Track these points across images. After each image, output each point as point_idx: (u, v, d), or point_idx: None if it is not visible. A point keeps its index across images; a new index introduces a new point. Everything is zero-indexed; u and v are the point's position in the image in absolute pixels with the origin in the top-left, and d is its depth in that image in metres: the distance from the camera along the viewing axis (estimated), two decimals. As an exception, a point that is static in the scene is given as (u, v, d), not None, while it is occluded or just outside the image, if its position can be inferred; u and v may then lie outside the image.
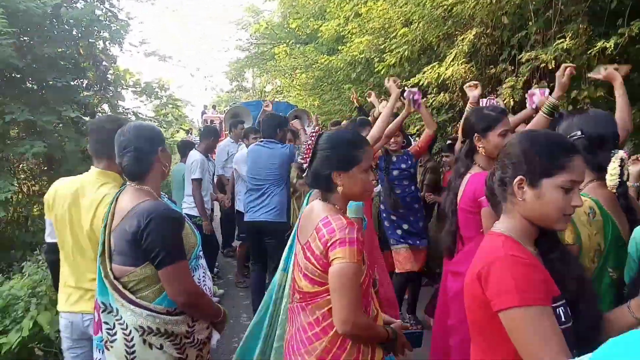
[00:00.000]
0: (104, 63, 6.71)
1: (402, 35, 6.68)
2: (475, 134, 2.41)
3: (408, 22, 6.78)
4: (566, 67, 2.52)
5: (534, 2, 5.69)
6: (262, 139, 4.57)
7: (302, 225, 1.82)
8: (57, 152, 5.46)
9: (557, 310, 1.24)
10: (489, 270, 1.23)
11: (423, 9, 6.24)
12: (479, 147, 2.39)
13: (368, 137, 3.27)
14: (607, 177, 1.69)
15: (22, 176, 6.26)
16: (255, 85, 30.88)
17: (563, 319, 1.24)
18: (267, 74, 17.35)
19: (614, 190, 1.71)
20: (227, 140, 7.01)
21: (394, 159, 4.47)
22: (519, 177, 1.31)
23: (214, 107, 25.56)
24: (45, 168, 6.70)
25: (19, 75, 5.70)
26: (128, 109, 7.19)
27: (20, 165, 6.21)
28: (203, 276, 2.02)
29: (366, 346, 1.69)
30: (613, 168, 1.67)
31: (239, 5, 16.07)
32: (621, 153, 1.66)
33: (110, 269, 1.86)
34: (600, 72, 2.63)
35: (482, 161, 2.42)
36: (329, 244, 1.60)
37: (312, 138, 1.75)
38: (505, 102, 5.85)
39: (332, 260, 1.60)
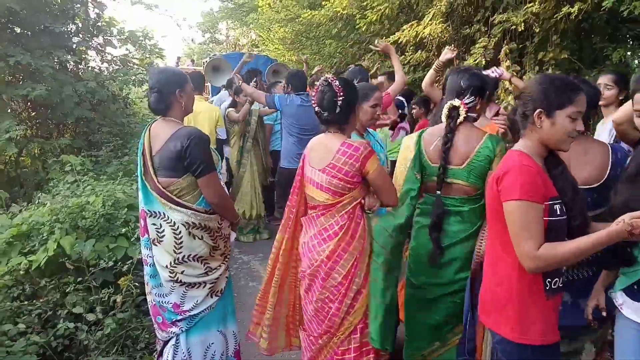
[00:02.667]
0: (95, 10, 6.81)
1: (384, -8, 6.96)
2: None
3: (390, -20, 7.05)
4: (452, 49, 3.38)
5: (508, -34, 6.05)
6: (298, 93, 4.93)
7: (312, 156, 2.38)
8: (54, 95, 5.67)
9: (554, 206, 1.68)
10: (505, 173, 1.69)
11: (406, -32, 6.52)
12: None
13: (393, 90, 4.11)
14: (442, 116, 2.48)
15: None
16: (229, 38, 30.37)
17: (558, 213, 1.68)
18: (245, 27, 17.22)
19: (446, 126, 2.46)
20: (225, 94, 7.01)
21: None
22: (538, 110, 1.71)
23: (192, 60, 25.13)
24: (34, 113, 6.88)
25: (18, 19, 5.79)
26: (116, 56, 7.34)
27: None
28: (224, 186, 2.59)
29: (368, 238, 2.36)
30: (444, 110, 2.44)
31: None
32: (455, 101, 2.40)
33: (158, 182, 2.34)
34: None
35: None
36: (360, 159, 2.21)
37: (338, 86, 2.27)
38: (476, 62, 6.31)
39: (370, 171, 2.23)
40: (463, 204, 2.36)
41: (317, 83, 2.39)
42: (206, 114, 5.44)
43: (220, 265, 2.50)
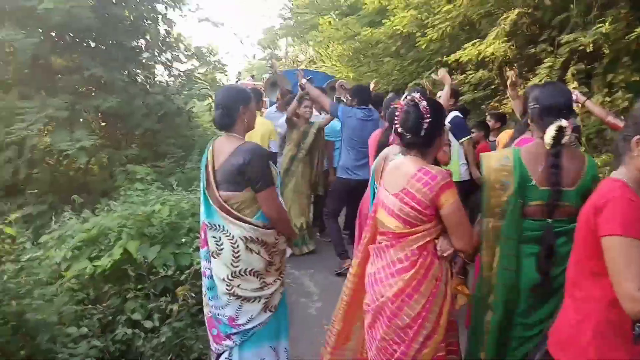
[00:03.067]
0: (165, 27, 7.19)
1: (446, 11, 6.92)
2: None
3: (452, -1, 7.00)
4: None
5: (577, -15, 5.86)
6: (360, 107, 5.00)
7: (387, 178, 2.27)
8: (125, 107, 6.01)
9: None
10: (605, 203, 1.54)
11: (468, -13, 6.46)
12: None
13: None
14: (545, 137, 2.08)
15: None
16: (288, 54, 31.04)
17: None
18: (304, 44, 17.56)
19: (549, 148, 2.10)
20: (272, 109, 7.19)
21: None
22: (637, 137, 1.56)
23: (252, 76, 25.86)
24: (104, 124, 7.30)
25: (93, 35, 6.23)
26: (182, 71, 7.69)
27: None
28: (282, 202, 2.60)
29: (443, 278, 2.15)
30: (550, 130, 2.06)
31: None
32: (563, 121, 2.04)
33: (219, 195, 2.43)
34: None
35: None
36: (436, 189, 2.03)
37: (425, 107, 2.13)
38: (542, 81, 6.11)
39: (444, 203, 2.05)
40: (567, 224, 2.15)
41: (401, 102, 2.24)
42: (260, 127, 5.56)
43: (275, 281, 2.54)
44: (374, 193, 2.93)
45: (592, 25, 5.75)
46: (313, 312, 4.25)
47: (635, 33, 5.33)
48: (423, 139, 2.14)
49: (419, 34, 7.83)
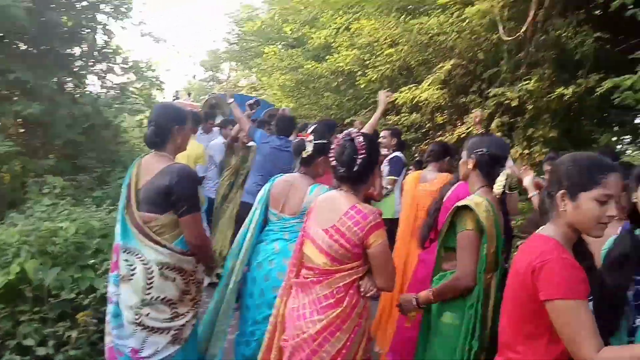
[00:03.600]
0: (103, 37, 6.91)
1: (387, 55, 7.16)
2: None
3: (394, 44, 7.27)
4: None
5: (508, 43, 6.28)
6: (280, 136, 4.76)
7: (318, 212, 2.19)
8: (48, 115, 5.63)
9: (589, 304, 1.51)
10: (542, 266, 1.49)
11: (409, 34, 6.74)
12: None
13: None
14: (495, 186, 2.17)
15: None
16: (229, 78, 30.89)
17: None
18: (247, 70, 17.56)
19: (498, 196, 2.19)
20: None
21: None
22: (561, 191, 1.57)
23: (189, 94, 25.39)
24: (22, 130, 6.79)
25: (25, 37, 5.84)
26: (116, 84, 7.38)
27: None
28: (206, 228, 2.49)
29: (365, 315, 2.12)
30: (500, 180, 2.15)
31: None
32: (507, 170, 2.17)
33: (138, 216, 2.26)
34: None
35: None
36: (366, 229, 1.99)
37: (361, 143, 2.10)
38: (468, 130, 6.43)
39: (372, 243, 2.00)
40: None
41: (339, 135, 2.19)
42: (189, 150, 5.41)
43: (188, 312, 2.37)
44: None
45: (519, 81, 6.15)
46: (226, 345, 4.03)
47: (556, 93, 5.75)
48: (356, 174, 2.10)
49: (359, 73, 8.04)
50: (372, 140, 2.19)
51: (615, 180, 1.54)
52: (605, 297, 1.54)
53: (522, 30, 5.78)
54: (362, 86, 8.07)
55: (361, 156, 2.07)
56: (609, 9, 4.67)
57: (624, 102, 4.74)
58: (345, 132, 2.17)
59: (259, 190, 4.61)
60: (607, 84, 4.69)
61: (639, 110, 5.26)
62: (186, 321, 2.36)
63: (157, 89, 8.21)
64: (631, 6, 4.50)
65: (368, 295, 2.10)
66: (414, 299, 2.27)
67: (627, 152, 8.59)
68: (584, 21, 6.01)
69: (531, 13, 5.63)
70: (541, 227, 1.68)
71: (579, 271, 1.50)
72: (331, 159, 2.15)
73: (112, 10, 6.95)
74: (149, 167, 2.34)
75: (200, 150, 5.60)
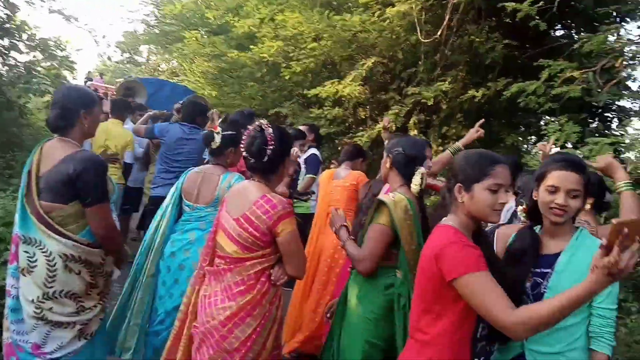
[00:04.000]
0: (5, 11, 6.31)
1: (311, 48, 7.21)
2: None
3: (318, 38, 7.33)
4: (478, 130, 3.11)
5: (425, 45, 6.57)
6: (183, 123, 4.62)
7: (230, 202, 2.21)
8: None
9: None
10: (443, 249, 1.63)
11: (333, 30, 6.83)
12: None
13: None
14: (412, 184, 2.31)
15: None
16: (149, 62, 29.56)
17: None
18: (168, 54, 16.88)
19: (416, 194, 2.32)
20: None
21: None
22: (457, 185, 1.75)
23: (101, 75, 23.95)
24: None
25: None
26: (21, 62, 6.80)
27: None
28: (115, 219, 2.37)
29: (276, 302, 2.17)
30: (416, 179, 2.29)
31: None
32: (422, 169, 2.30)
33: (40, 206, 2.12)
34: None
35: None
36: (274, 218, 2.04)
37: (270, 134, 2.15)
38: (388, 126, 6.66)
39: (280, 231, 2.06)
40: None
41: (250, 127, 2.22)
42: (120, 138, 5.38)
43: (95, 306, 2.27)
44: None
45: (435, 82, 6.46)
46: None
47: (468, 94, 6.11)
48: (266, 164, 2.16)
49: (284, 64, 8.02)
50: (282, 131, 2.25)
51: (503, 170, 1.72)
52: (505, 288, 1.64)
53: (438, 33, 6.06)
54: (286, 78, 8.06)
55: (271, 147, 2.13)
56: (516, 18, 5.04)
57: (529, 105, 5.16)
58: (256, 123, 2.21)
59: (164, 182, 4.52)
60: (514, 88, 5.06)
61: (542, 113, 5.69)
62: (93, 315, 2.26)
63: (67, 70, 7.68)
64: (537, 17, 4.90)
65: (278, 283, 2.15)
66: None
67: (532, 152, 9.32)
68: (495, 28, 6.44)
69: (446, 17, 5.91)
70: (443, 219, 1.82)
71: (476, 249, 1.65)
72: (242, 150, 2.19)
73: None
74: (52, 154, 2.19)
75: (130, 137, 5.45)
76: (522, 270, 1.90)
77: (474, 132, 3.16)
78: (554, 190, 1.85)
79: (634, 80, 5.65)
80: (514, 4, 4.92)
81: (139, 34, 16.62)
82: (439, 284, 1.66)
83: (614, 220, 1.31)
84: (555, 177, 1.85)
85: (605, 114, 7.06)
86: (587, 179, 1.87)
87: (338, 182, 3.96)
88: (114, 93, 11.49)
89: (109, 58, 27.89)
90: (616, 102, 6.43)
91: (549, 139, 4.19)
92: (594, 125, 6.20)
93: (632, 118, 6.01)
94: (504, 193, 1.73)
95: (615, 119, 6.46)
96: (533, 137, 7.92)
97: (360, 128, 7.99)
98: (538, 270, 1.91)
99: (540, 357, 1.85)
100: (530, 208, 2.00)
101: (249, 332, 2.07)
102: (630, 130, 5.94)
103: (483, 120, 3.25)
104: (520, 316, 1.48)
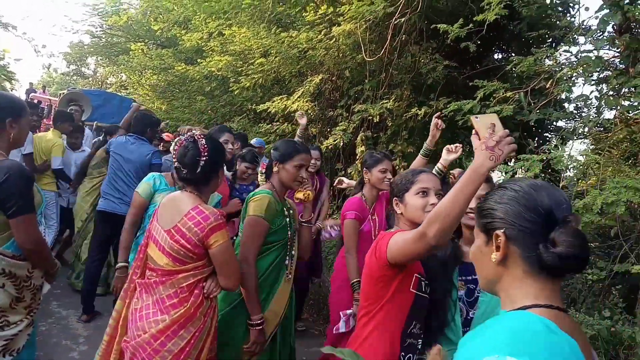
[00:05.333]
0: None
1: (259, 64, 7.26)
2: (365, 169, 3.37)
3: (266, 54, 7.40)
4: (437, 122, 3.17)
5: (372, 64, 6.76)
6: (131, 135, 4.62)
7: (161, 213, 2.18)
8: None
9: (422, 283, 1.87)
10: (379, 243, 1.90)
11: (280, 46, 6.92)
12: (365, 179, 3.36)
13: None
14: None
15: None
16: (96, 74, 28.78)
17: (424, 290, 1.88)
18: (115, 66, 16.50)
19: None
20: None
21: (237, 186, 4.44)
22: (394, 199, 2.06)
23: (43, 87, 23.10)
24: None
25: None
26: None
27: None
28: (44, 231, 2.33)
29: (210, 313, 2.17)
30: None
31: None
32: None
33: None
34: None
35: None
36: (206, 230, 2.02)
37: (204, 145, 2.14)
38: (335, 142, 6.78)
39: (213, 243, 2.04)
40: None
41: (182, 137, 2.21)
42: (46, 142, 5.35)
43: (22, 320, 2.19)
44: None
45: (380, 100, 6.64)
46: (76, 356, 3.78)
47: (412, 112, 6.32)
48: (199, 175, 2.15)
49: (233, 79, 8.02)
50: (215, 142, 2.26)
51: (427, 176, 2.04)
52: (435, 300, 1.89)
53: (382, 53, 6.25)
54: (235, 92, 8.05)
55: (204, 158, 2.13)
56: (448, 40, 5.30)
57: (467, 123, 5.40)
58: (189, 134, 2.20)
59: (109, 193, 4.44)
60: (451, 107, 5.28)
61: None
62: (19, 330, 2.18)
63: (6, 79, 7.38)
64: (477, 39, 5.17)
65: (212, 296, 2.15)
66: None
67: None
68: (436, 50, 6.72)
69: (389, 37, 6.12)
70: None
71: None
72: (174, 160, 2.18)
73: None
74: None
75: (57, 142, 5.36)
76: (446, 282, 2.04)
77: (434, 128, 3.21)
78: None
79: (569, 101, 6.02)
80: (445, 25, 5.18)
81: (85, 45, 16.15)
82: (379, 268, 1.86)
83: (472, 117, 1.56)
84: None
85: (544, 134, 7.48)
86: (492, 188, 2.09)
87: None
88: (57, 106, 11.10)
89: (54, 70, 26.96)
90: (554, 123, 6.84)
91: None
92: (533, 143, 6.53)
93: (568, 138, 6.39)
94: (433, 196, 1.98)
95: (555, 138, 6.83)
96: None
97: (311, 144, 8.06)
98: (469, 277, 2.08)
99: None
100: None
101: (182, 344, 2.04)
102: (567, 149, 6.33)
103: (440, 113, 3.34)
104: (426, 220, 1.63)
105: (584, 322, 3.43)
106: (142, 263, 2.23)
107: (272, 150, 2.62)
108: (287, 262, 2.56)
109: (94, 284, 4.55)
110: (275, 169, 2.56)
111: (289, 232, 2.55)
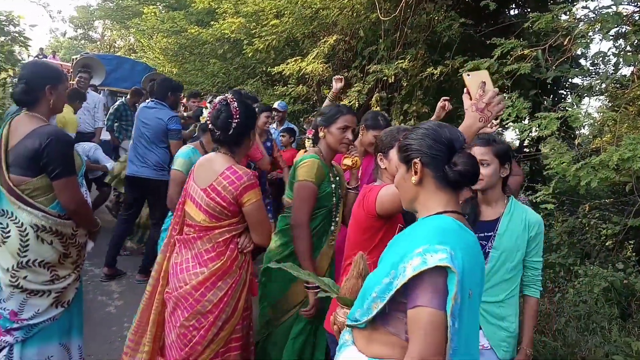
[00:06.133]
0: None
1: (273, 25, 7.22)
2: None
3: (279, 15, 7.34)
4: (443, 103, 3.05)
5: (386, 23, 6.69)
6: (153, 100, 4.71)
7: (197, 172, 2.30)
8: None
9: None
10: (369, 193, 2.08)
11: (294, 6, 6.86)
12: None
13: None
14: None
15: None
16: (104, 38, 28.58)
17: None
18: (125, 30, 16.40)
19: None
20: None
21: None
22: (379, 154, 2.20)
23: (53, 53, 23.04)
24: None
25: None
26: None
27: None
28: (85, 192, 2.45)
29: (245, 266, 2.30)
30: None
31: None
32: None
33: (9, 179, 2.19)
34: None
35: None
36: (240, 189, 2.15)
37: (236, 108, 2.23)
38: (351, 103, 6.80)
39: (246, 202, 2.17)
40: None
41: (215, 100, 2.30)
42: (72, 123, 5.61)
43: (70, 275, 2.36)
44: None
45: (395, 60, 6.61)
46: (112, 310, 4.02)
47: (427, 71, 6.30)
48: (231, 137, 2.25)
49: (246, 41, 8.00)
50: (247, 105, 2.33)
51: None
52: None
53: (396, 12, 6.19)
54: (249, 55, 8.04)
55: (236, 120, 2.22)
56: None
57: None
58: (223, 96, 2.30)
59: (133, 157, 4.60)
60: (468, 66, 5.26)
61: (499, 90, 5.91)
62: (68, 284, 2.36)
63: (21, 46, 7.44)
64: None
65: (245, 250, 2.29)
66: None
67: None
68: (452, 7, 6.62)
69: (405, -4, 6.05)
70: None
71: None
72: (208, 122, 2.28)
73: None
74: (20, 128, 2.25)
75: (73, 118, 5.64)
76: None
77: (440, 108, 3.12)
78: None
79: (586, 58, 5.97)
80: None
81: (93, 9, 16.04)
82: (367, 218, 2.05)
83: (464, 74, 1.66)
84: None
85: (560, 91, 7.43)
86: (496, 150, 2.21)
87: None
88: (70, 70, 11.18)
89: (63, 34, 26.80)
90: (570, 80, 6.79)
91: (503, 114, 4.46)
92: (549, 101, 6.51)
93: (584, 95, 6.36)
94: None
95: (571, 96, 6.80)
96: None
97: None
98: (482, 234, 2.20)
99: (487, 306, 2.16)
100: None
101: (221, 295, 2.20)
102: (583, 106, 6.31)
103: (448, 98, 3.37)
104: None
105: (597, 274, 3.56)
106: (180, 220, 2.37)
107: (317, 117, 2.66)
108: (332, 227, 2.63)
109: (121, 241, 4.77)
110: (321, 134, 2.60)
111: (334, 200, 2.60)
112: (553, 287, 4.18)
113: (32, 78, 2.29)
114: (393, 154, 2.06)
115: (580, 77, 6.57)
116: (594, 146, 4.52)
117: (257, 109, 4.44)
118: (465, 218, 1.42)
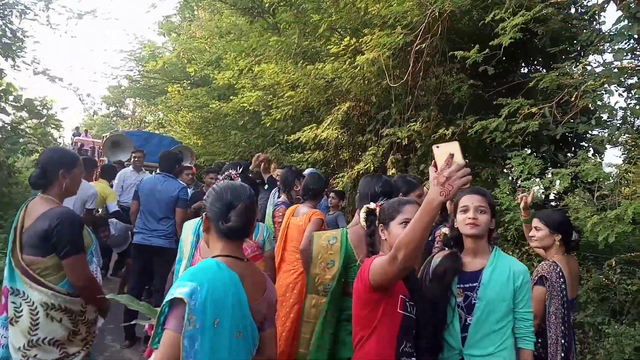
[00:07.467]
0: (-8, 74, 6.58)
1: (289, 96, 7.53)
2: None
3: (294, 86, 7.67)
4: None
5: (397, 89, 6.90)
6: (159, 173, 5.06)
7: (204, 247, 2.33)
8: None
9: (407, 304, 2.00)
10: (363, 270, 2.05)
11: (308, 78, 7.17)
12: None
13: None
14: (360, 219, 2.48)
15: None
16: (135, 114, 30.00)
17: (409, 311, 2.01)
18: (153, 106, 17.29)
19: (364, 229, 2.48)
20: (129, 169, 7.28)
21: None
22: (380, 225, 2.20)
23: (85, 131, 24.29)
24: None
25: None
26: (7, 123, 7.02)
27: None
28: (95, 270, 2.53)
29: None
30: (362, 213, 2.44)
31: (135, 39, 16.06)
32: (371, 204, 2.42)
33: (22, 259, 2.31)
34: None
35: None
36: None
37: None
38: (366, 166, 6.90)
39: None
40: None
41: (220, 177, 2.45)
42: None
43: (79, 352, 2.40)
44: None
45: (408, 122, 6.75)
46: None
47: (439, 132, 6.39)
48: None
49: (264, 112, 8.32)
50: (251, 182, 2.45)
51: (412, 208, 2.13)
52: (427, 304, 2.08)
53: (406, 77, 6.39)
54: (267, 125, 8.35)
55: None
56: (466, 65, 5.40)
57: (495, 140, 5.44)
58: (226, 173, 2.42)
59: (144, 227, 4.77)
60: (477, 126, 5.34)
61: (508, 148, 5.90)
62: (77, 361, 2.38)
63: (54, 128, 7.92)
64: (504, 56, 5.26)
65: None
66: None
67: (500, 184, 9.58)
68: (460, 70, 6.80)
69: (411, 63, 6.26)
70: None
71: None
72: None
73: (1, 48, 6.69)
74: (34, 210, 2.40)
75: (107, 191, 5.84)
76: (444, 285, 2.24)
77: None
78: (466, 209, 2.26)
79: (595, 112, 5.94)
80: (462, 52, 5.30)
81: (124, 88, 17.05)
82: (365, 292, 2.00)
83: (433, 146, 1.66)
84: (465, 199, 2.27)
85: (581, 143, 7.36)
86: (489, 201, 2.29)
87: (295, 220, 3.88)
88: (101, 147, 11.75)
89: (94, 113, 28.28)
90: (588, 133, 6.73)
91: (516, 171, 4.48)
92: (569, 155, 6.45)
93: (598, 148, 6.28)
94: None
95: (590, 148, 6.72)
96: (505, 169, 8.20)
97: (344, 169, 8.22)
98: (467, 285, 2.23)
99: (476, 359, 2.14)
100: (454, 237, 2.37)
101: None
102: (600, 159, 6.21)
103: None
104: (394, 246, 1.79)
105: (624, 333, 3.39)
106: None
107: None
108: None
109: (134, 310, 4.81)
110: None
111: None
112: (582, 348, 3.98)
113: (48, 163, 2.48)
114: (394, 226, 2.11)
115: (594, 130, 6.51)
116: (612, 200, 4.44)
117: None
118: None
